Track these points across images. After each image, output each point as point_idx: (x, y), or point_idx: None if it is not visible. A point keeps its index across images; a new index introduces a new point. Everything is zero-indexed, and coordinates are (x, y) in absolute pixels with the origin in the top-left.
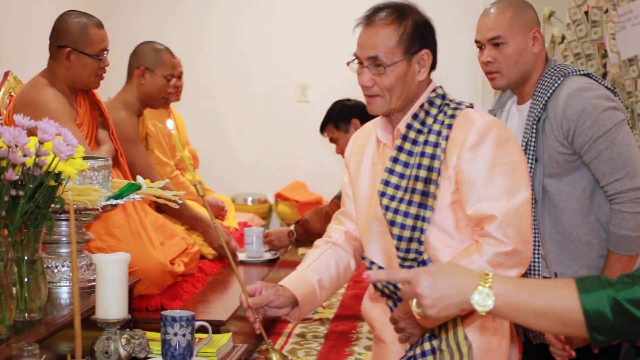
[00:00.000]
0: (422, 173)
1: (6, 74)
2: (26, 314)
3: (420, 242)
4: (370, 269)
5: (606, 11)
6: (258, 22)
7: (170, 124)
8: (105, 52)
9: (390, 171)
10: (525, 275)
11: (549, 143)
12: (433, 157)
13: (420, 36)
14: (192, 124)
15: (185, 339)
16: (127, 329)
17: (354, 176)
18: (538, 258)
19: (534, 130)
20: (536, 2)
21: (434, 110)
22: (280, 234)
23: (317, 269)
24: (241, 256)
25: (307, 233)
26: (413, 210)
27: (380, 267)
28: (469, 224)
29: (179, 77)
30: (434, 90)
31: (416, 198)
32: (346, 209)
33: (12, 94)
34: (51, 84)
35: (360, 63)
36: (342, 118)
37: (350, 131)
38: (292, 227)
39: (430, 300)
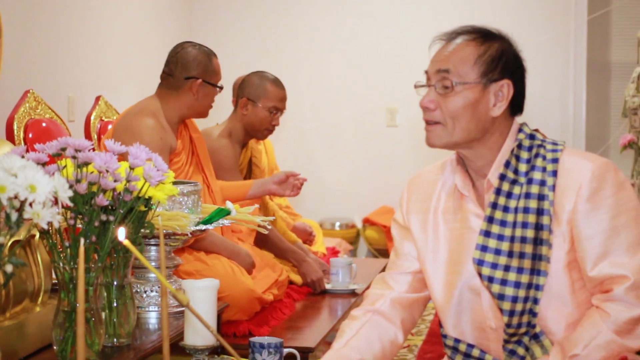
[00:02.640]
0: (530, 233)
1: (97, 98)
2: (115, 339)
3: (534, 314)
4: (455, 348)
5: None
6: (346, 47)
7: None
8: None
9: (486, 233)
10: None
11: None
12: (540, 212)
13: (504, 63)
14: (281, 148)
15: None
16: (215, 355)
17: (420, 237)
18: None
19: None
20: (631, 25)
21: (524, 154)
22: None
23: (357, 346)
24: (327, 286)
25: None
26: (525, 279)
27: (470, 344)
28: (587, 286)
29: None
30: (520, 131)
31: (527, 264)
32: (401, 270)
33: (104, 118)
34: (160, 111)
35: (429, 84)
36: None
37: None
38: None
39: None
